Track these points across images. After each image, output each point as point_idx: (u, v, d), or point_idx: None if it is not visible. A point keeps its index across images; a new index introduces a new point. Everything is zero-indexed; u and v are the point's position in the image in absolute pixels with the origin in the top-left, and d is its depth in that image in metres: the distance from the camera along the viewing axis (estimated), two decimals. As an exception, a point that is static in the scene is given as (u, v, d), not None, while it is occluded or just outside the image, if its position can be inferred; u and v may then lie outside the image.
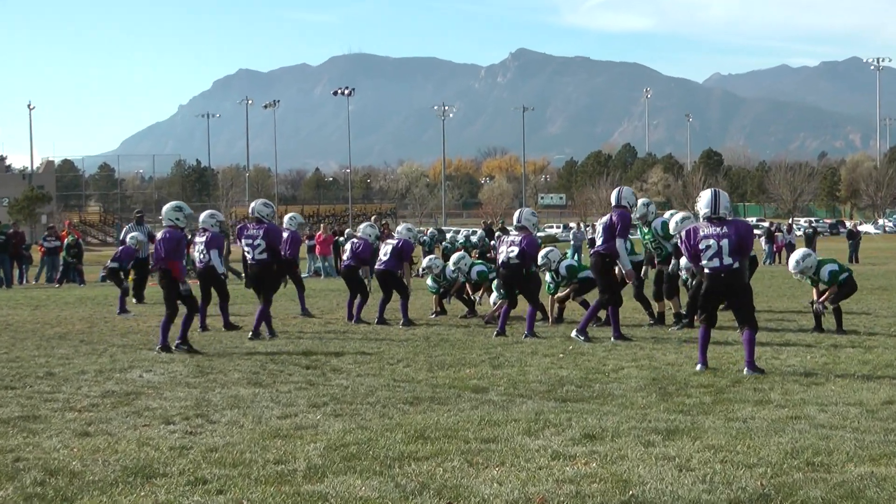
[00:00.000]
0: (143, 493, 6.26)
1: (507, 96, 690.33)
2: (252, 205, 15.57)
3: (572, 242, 43.46)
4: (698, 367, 10.88)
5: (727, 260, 10.75)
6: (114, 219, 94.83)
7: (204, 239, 15.59)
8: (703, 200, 11.07)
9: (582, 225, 55.48)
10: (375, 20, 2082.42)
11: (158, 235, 13.77)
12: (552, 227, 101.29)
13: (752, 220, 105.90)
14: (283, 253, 16.70)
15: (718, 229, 10.83)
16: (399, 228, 17.92)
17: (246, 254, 15.39)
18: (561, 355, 12.21)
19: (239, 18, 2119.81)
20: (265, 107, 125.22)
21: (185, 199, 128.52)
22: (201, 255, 15.58)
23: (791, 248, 43.15)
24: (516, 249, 14.61)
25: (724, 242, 10.75)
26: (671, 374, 10.57)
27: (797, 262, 14.65)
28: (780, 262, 41.38)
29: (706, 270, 10.89)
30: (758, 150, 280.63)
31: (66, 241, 33.87)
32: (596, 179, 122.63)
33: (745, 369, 10.56)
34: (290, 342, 14.22)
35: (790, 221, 51.02)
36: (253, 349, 13.40)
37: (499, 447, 7.26)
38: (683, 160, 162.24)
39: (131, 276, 22.36)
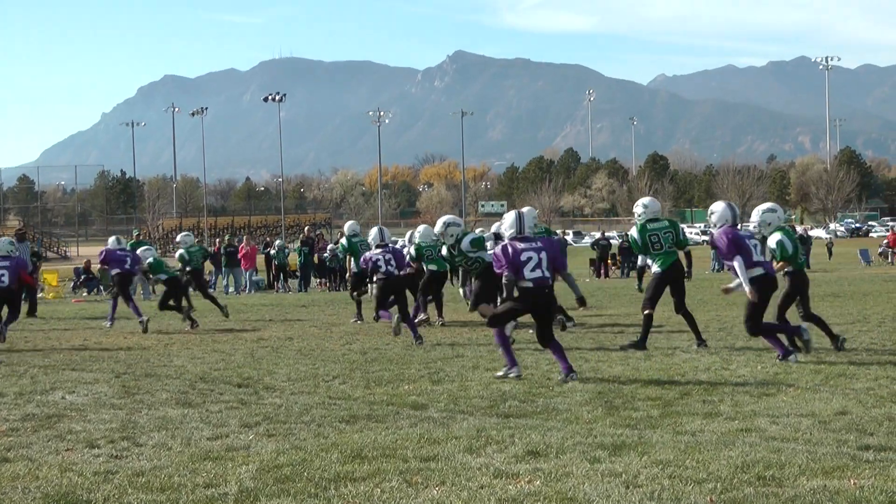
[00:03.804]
0: (65, 522, 5.95)
1: (445, 100, 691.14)
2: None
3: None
4: (510, 371, 11.28)
5: (547, 273, 11.15)
6: (34, 234, 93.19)
7: (384, 251, 16.61)
8: (507, 222, 11.46)
9: None
10: (306, 22, 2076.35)
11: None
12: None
13: (699, 226, 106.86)
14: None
15: (534, 244, 11.22)
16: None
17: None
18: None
19: (163, 21, 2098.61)
20: (192, 114, 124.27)
21: (109, 211, 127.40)
22: (386, 266, 16.36)
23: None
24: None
25: (543, 255, 11.15)
26: (617, 387, 10.37)
27: (771, 209, 13.45)
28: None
29: (529, 284, 11.07)
30: (704, 154, 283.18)
31: None
32: (538, 186, 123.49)
33: (570, 375, 10.90)
34: (222, 359, 13.87)
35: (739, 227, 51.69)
36: (181, 367, 13.03)
37: (439, 466, 7.05)
38: (628, 165, 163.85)
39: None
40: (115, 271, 20.09)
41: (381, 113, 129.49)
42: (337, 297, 27.77)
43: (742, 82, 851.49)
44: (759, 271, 12.42)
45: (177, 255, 22.19)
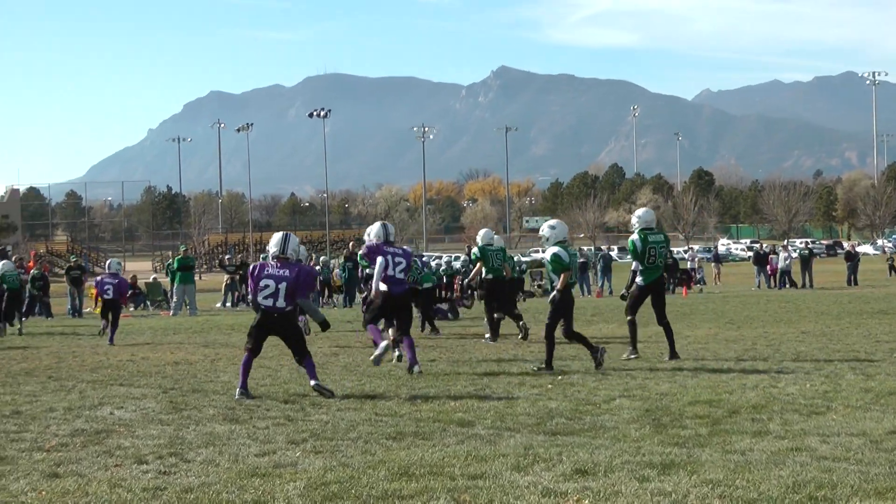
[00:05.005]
0: (115, 538, 5.97)
1: (490, 116, 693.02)
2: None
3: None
4: (237, 393, 11.69)
5: (280, 303, 11.82)
6: (81, 248, 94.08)
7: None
8: (273, 241, 12.32)
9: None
10: (351, 39, 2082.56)
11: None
12: (538, 251, 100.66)
13: (745, 242, 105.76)
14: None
15: (282, 271, 11.89)
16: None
17: None
18: (549, 386, 11.90)
19: (209, 39, 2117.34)
20: (238, 130, 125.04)
21: (155, 226, 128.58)
22: None
23: (786, 271, 42.93)
24: None
25: (283, 285, 11.80)
26: (665, 404, 10.24)
27: (551, 226, 14.18)
28: (775, 286, 41.18)
29: (261, 307, 11.85)
30: (750, 170, 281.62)
31: (31, 272, 33.35)
32: (583, 201, 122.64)
33: (312, 382, 11.70)
34: (268, 375, 13.88)
35: (785, 243, 50.61)
36: (228, 383, 13.06)
37: (487, 484, 7.01)
38: (673, 180, 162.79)
39: None
40: None
41: (426, 128, 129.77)
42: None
43: (788, 97, 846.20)
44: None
45: None
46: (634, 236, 14.54)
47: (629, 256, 15.28)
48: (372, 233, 14.35)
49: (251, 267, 12.21)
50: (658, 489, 6.71)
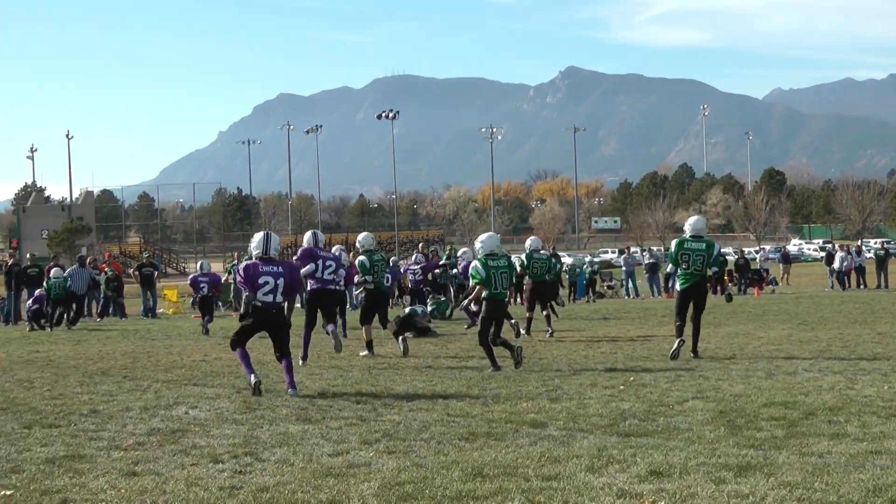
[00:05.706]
0: (192, 536, 6.04)
1: (558, 117, 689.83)
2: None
3: (624, 268, 43.13)
4: (255, 387, 12.01)
5: (278, 298, 12.22)
6: (154, 250, 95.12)
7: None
8: (255, 242, 12.56)
9: (635, 249, 55.35)
10: (419, 40, 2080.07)
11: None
12: (607, 251, 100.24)
13: (817, 242, 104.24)
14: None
15: (275, 268, 12.26)
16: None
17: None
18: (622, 387, 11.82)
19: (278, 41, 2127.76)
20: (307, 132, 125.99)
21: (226, 227, 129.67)
22: None
23: (861, 271, 42.06)
24: None
25: (280, 281, 12.17)
26: (739, 406, 10.12)
27: (480, 241, 14.85)
28: (849, 286, 40.51)
29: (258, 303, 12.17)
30: (822, 169, 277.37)
31: (104, 273, 33.81)
32: (652, 202, 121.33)
33: (289, 390, 11.89)
34: (340, 376, 13.96)
35: (859, 243, 49.54)
36: (300, 384, 13.14)
37: (561, 485, 6.99)
38: (744, 180, 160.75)
39: None
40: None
41: (494, 129, 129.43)
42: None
43: (861, 95, 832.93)
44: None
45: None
46: (673, 241, 15.40)
47: None
48: (304, 240, 16.01)
49: (244, 266, 12.48)
50: (735, 491, 6.64)
